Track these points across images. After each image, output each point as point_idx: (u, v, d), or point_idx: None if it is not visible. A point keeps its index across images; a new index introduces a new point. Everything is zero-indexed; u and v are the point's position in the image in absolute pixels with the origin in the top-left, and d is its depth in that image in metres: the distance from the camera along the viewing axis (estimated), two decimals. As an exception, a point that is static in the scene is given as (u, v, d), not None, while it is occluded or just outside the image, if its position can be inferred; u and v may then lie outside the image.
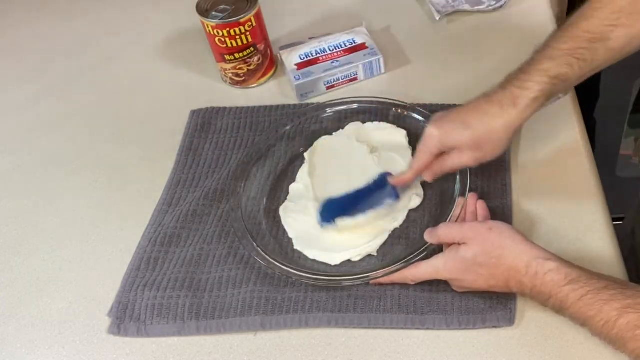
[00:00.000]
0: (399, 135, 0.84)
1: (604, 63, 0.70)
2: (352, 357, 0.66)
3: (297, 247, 0.75)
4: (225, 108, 0.93)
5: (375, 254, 0.74)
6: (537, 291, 0.62)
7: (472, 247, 0.65)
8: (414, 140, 0.84)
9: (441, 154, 0.73)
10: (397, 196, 0.76)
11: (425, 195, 0.79)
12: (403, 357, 0.66)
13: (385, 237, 0.75)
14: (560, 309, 0.61)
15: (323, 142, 0.85)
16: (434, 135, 0.72)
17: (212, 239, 0.77)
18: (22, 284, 0.77)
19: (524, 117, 0.70)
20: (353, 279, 0.69)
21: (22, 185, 0.89)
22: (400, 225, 0.76)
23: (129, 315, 0.70)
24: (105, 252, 0.79)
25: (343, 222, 0.75)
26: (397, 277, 0.69)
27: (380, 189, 0.77)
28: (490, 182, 0.78)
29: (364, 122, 0.87)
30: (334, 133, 0.86)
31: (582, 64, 0.69)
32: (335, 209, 0.75)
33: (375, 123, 0.86)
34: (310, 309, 0.69)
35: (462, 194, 0.73)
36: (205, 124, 0.91)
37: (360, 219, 0.75)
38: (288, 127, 0.86)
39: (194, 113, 0.93)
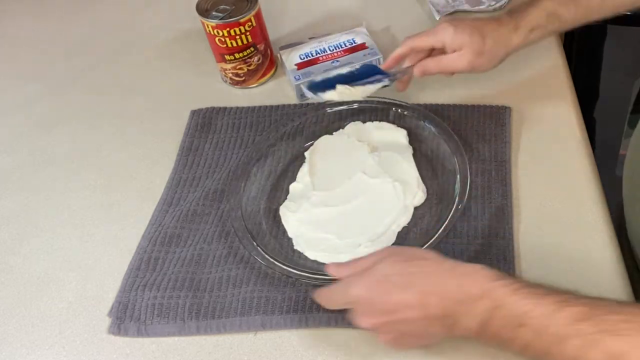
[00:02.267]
0: (400, 135, 0.84)
1: (599, 11, 0.77)
2: (352, 357, 0.66)
3: (297, 247, 0.75)
4: (225, 108, 0.93)
5: None
6: (464, 295, 0.54)
7: (388, 260, 0.59)
8: (414, 140, 0.84)
9: (437, 54, 0.78)
10: (390, 78, 0.78)
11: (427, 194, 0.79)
12: (402, 357, 0.66)
13: (392, 238, 0.75)
14: (489, 315, 0.53)
15: (323, 141, 0.85)
16: (447, 28, 0.76)
17: (212, 238, 0.77)
18: (22, 284, 0.77)
19: (521, 44, 0.77)
20: None
21: (22, 185, 0.89)
22: (408, 224, 0.76)
23: (129, 315, 0.71)
24: (105, 252, 0.79)
25: (343, 87, 0.75)
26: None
27: (369, 75, 0.78)
28: (491, 182, 0.78)
29: (364, 121, 0.87)
30: (334, 133, 0.86)
31: (577, 9, 0.76)
32: (325, 84, 0.77)
33: (376, 122, 0.86)
34: (310, 308, 0.69)
35: (462, 193, 0.73)
36: (205, 124, 0.91)
37: (358, 88, 0.76)
38: (288, 127, 0.86)
39: (194, 113, 0.93)
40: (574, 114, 0.87)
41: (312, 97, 0.80)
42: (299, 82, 0.91)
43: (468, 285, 0.54)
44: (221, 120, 0.91)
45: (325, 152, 0.84)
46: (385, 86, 0.79)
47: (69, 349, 0.70)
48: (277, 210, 0.79)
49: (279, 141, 0.85)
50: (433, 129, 0.82)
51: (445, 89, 0.91)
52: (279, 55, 0.98)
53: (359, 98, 0.81)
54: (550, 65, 0.93)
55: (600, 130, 1.35)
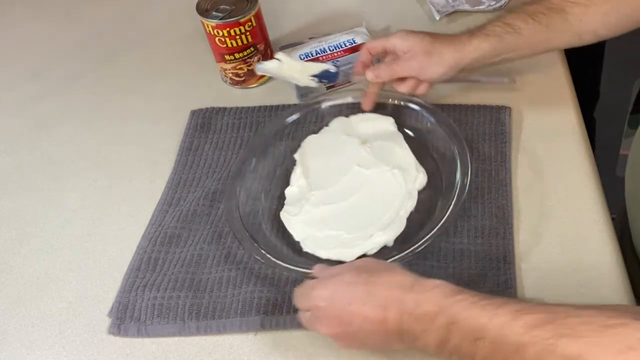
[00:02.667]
0: (387, 123, 0.84)
1: (558, 36, 0.78)
2: (352, 356, 0.66)
3: (306, 249, 0.74)
4: (225, 108, 0.93)
5: (392, 244, 0.73)
6: (421, 312, 0.54)
7: (354, 265, 0.60)
8: (414, 133, 0.84)
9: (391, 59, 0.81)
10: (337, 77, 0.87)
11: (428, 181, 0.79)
12: (403, 356, 0.66)
13: (402, 224, 0.74)
14: (446, 332, 0.52)
15: (310, 141, 0.85)
16: (400, 33, 0.80)
17: (212, 239, 0.77)
18: (22, 284, 0.77)
19: (477, 49, 0.77)
20: None
21: (22, 185, 0.89)
22: (414, 209, 0.75)
23: (129, 316, 0.70)
24: (105, 252, 0.79)
25: (282, 55, 0.83)
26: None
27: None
28: (491, 182, 0.78)
29: (347, 115, 0.86)
30: (319, 131, 0.86)
31: (536, 25, 0.76)
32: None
33: (360, 115, 0.86)
34: None
35: (463, 179, 0.73)
36: (205, 124, 0.91)
37: (303, 63, 0.85)
38: (285, 125, 0.86)
39: (193, 113, 0.93)
40: (574, 114, 0.87)
41: (261, 70, 0.86)
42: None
43: (425, 302, 0.54)
44: (221, 120, 0.91)
45: (315, 151, 0.83)
46: (331, 73, 0.85)
47: (69, 349, 0.70)
48: (277, 209, 0.79)
49: (277, 140, 0.85)
50: (432, 118, 0.82)
51: (445, 89, 0.91)
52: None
53: (298, 77, 0.84)
54: (550, 65, 0.93)
55: (600, 130, 1.35)
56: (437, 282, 0.55)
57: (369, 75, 0.81)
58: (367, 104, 0.84)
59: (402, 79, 0.81)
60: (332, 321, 0.58)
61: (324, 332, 0.59)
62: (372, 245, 0.72)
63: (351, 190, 0.78)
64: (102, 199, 0.85)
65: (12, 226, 0.84)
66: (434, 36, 0.79)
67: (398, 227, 0.74)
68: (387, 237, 0.73)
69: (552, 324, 0.48)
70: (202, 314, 0.70)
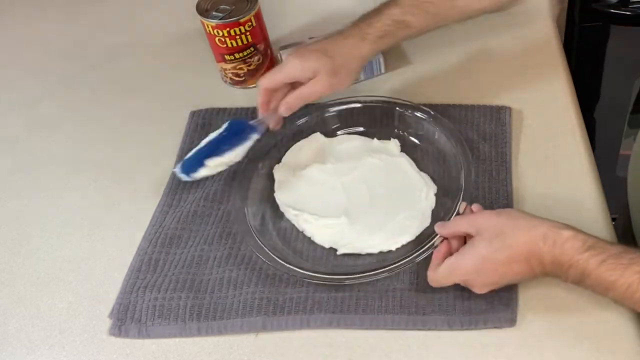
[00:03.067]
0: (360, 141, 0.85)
1: (447, 19, 0.81)
2: (352, 357, 0.66)
3: (341, 252, 0.74)
4: (225, 109, 0.93)
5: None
6: (557, 262, 0.61)
7: (484, 236, 0.64)
8: (418, 140, 0.84)
9: (294, 86, 0.79)
10: (259, 130, 0.80)
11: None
12: (403, 357, 0.66)
13: (413, 236, 0.74)
14: (581, 278, 0.60)
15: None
16: (294, 62, 0.78)
17: (212, 239, 0.77)
18: (22, 284, 0.77)
19: (371, 52, 0.80)
20: (355, 278, 0.69)
21: (22, 185, 0.89)
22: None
23: (130, 317, 0.70)
24: (105, 252, 0.79)
25: (212, 161, 0.77)
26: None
27: (239, 133, 0.80)
28: (492, 182, 0.78)
29: (366, 127, 0.87)
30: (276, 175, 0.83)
31: (426, 15, 0.79)
32: (196, 161, 0.78)
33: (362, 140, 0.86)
34: (311, 309, 0.69)
35: (467, 191, 0.74)
36: (205, 124, 0.91)
37: (229, 155, 0.78)
38: (291, 127, 0.86)
39: (193, 114, 0.93)
40: (574, 114, 0.87)
41: (186, 179, 0.80)
42: (174, 170, 0.83)
43: (559, 255, 0.60)
44: (221, 120, 0.91)
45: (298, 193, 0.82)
46: (257, 139, 0.80)
47: (69, 349, 0.70)
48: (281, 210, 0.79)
49: (282, 141, 0.85)
50: (435, 126, 0.83)
51: (445, 89, 0.91)
52: (279, 55, 0.98)
53: (233, 163, 0.80)
54: (550, 65, 0.93)
55: (600, 130, 1.35)
56: (569, 233, 0.61)
57: (282, 110, 0.79)
58: (274, 126, 0.82)
59: None
60: (486, 285, 0.65)
61: (480, 291, 0.66)
62: (402, 224, 0.75)
63: (369, 185, 0.79)
64: (102, 199, 0.85)
65: (12, 226, 0.84)
66: (328, 52, 0.77)
67: (409, 238, 0.74)
68: (396, 246, 0.74)
69: None
70: (203, 314, 0.70)
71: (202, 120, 0.91)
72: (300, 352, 0.67)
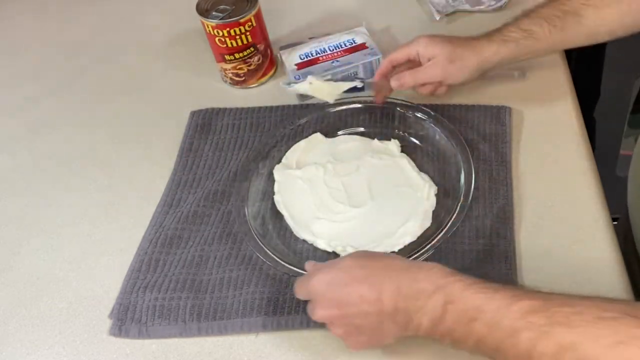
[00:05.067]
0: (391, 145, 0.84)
1: (574, 37, 0.80)
2: (352, 357, 0.66)
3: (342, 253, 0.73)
4: (225, 109, 0.93)
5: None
6: (417, 289, 0.54)
7: (348, 256, 0.61)
8: (418, 140, 0.84)
9: (413, 67, 0.82)
10: (366, 86, 0.86)
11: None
12: (403, 356, 0.66)
13: (414, 237, 0.74)
14: (442, 311, 0.53)
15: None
16: (421, 39, 0.81)
17: (212, 240, 0.77)
18: (22, 284, 0.77)
19: (496, 55, 0.80)
20: None
21: (22, 185, 0.89)
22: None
23: (130, 317, 0.70)
24: (105, 252, 0.79)
25: (313, 79, 0.82)
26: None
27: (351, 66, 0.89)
28: (492, 182, 0.78)
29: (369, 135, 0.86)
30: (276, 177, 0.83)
31: (552, 29, 0.78)
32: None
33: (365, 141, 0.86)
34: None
35: (467, 191, 0.74)
36: (205, 124, 0.91)
37: (330, 84, 0.83)
38: (292, 127, 0.86)
39: (193, 114, 0.93)
40: (574, 114, 0.87)
41: (286, 88, 0.85)
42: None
43: (422, 280, 0.55)
44: (221, 121, 0.91)
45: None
46: (358, 88, 0.85)
47: (69, 349, 0.70)
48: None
49: (283, 141, 0.85)
50: (435, 127, 0.83)
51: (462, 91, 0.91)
52: (279, 55, 0.98)
53: (327, 96, 0.84)
54: (550, 65, 0.93)
55: (600, 130, 1.35)
56: (435, 264, 0.57)
57: (394, 84, 0.82)
58: (379, 100, 0.86)
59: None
60: (330, 303, 0.59)
61: (319, 317, 0.60)
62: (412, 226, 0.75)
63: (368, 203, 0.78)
64: (102, 199, 0.85)
65: (12, 226, 0.84)
66: (454, 42, 0.81)
67: (410, 239, 0.74)
68: (398, 247, 0.74)
69: (547, 311, 0.49)
70: (203, 315, 0.70)
71: (202, 121, 0.92)
72: (299, 351, 0.67)
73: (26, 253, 0.80)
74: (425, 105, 0.85)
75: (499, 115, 0.85)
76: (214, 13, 0.90)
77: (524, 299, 0.50)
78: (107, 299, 0.73)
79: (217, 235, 0.77)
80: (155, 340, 0.69)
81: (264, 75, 0.98)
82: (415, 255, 0.70)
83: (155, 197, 0.83)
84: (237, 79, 0.97)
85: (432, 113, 0.83)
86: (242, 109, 0.93)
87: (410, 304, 0.55)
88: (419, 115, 0.84)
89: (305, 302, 0.69)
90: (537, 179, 0.79)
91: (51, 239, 0.82)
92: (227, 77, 0.97)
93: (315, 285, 0.60)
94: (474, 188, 0.76)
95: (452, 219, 0.72)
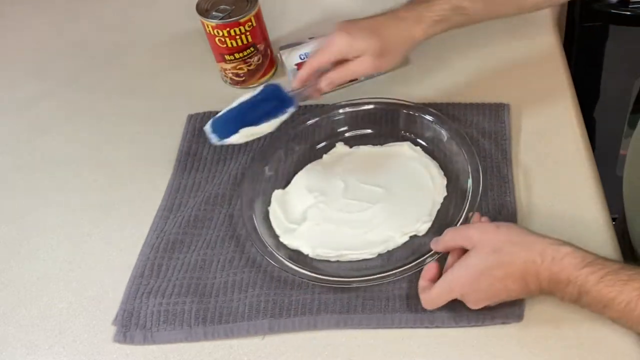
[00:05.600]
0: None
1: (502, 8, 0.79)
2: (352, 357, 0.66)
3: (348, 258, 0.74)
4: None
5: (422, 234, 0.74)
6: (554, 279, 0.59)
7: (481, 250, 0.63)
8: (430, 147, 0.83)
9: (339, 63, 0.76)
10: (295, 104, 0.75)
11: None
12: (403, 356, 0.66)
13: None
14: (578, 296, 0.59)
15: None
16: (342, 38, 0.75)
17: (215, 243, 0.77)
18: (22, 284, 0.77)
19: (425, 36, 0.77)
20: (362, 280, 0.69)
21: (22, 185, 0.89)
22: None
23: (135, 323, 0.70)
24: (105, 252, 0.79)
25: (247, 130, 0.73)
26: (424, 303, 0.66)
27: (273, 100, 0.76)
28: (493, 179, 0.78)
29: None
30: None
31: (483, 3, 0.77)
32: (228, 125, 0.74)
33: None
34: (318, 310, 0.68)
35: (475, 190, 0.74)
36: (202, 128, 0.91)
37: (263, 126, 0.73)
38: (297, 129, 0.85)
39: (191, 117, 0.92)
40: (574, 113, 0.87)
41: (216, 142, 0.74)
42: (205, 128, 0.77)
43: (557, 273, 0.59)
44: None
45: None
46: (291, 113, 0.76)
47: (69, 349, 0.70)
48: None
49: (290, 141, 0.85)
50: (441, 127, 0.82)
51: (446, 89, 0.91)
52: (279, 55, 0.98)
53: (266, 133, 0.75)
54: (550, 65, 0.93)
55: (600, 130, 1.35)
56: (567, 249, 0.60)
57: (324, 85, 0.77)
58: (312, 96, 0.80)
59: None
60: (480, 300, 0.64)
61: (474, 307, 0.65)
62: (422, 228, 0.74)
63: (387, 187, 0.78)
64: (101, 199, 0.85)
65: (12, 226, 0.84)
66: (380, 33, 0.75)
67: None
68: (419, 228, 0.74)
69: None
70: (208, 319, 0.69)
71: (199, 125, 0.90)
72: (299, 351, 0.67)
73: (26, 253, 0.80)
74: (426, 104, 0.85)
75: (498, 113, 0.86)
76: (214, 13, 0.90)
77: None
78: (107, 299, 0.74)
79: (219, 238, 0.77)
80: (155, 346, 0.69)
81: (264, 75, 0.98)
82: (425, 257, 0.69)
83: (155, 197, 0.83)
84: (237, 79, 0.97)
85: (438, 113, 0.83)
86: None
87: (552, 289, 0.61)
88: (426, 116, 0.84)
89: (311, 304, 0.69)
90: (537, 178, 0.79)
91: (51, 239, 0.81)
92: (227, 77, 0.97)
93: (460, 292, 0.64)
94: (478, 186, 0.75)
95: (461, 219, 0.72)
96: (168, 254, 0.76)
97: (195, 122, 0.92)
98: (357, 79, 0.90)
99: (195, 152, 0.88)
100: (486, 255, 0.62)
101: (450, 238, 0.67)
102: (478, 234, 0.64)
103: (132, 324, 0.70)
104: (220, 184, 0.83)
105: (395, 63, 0.79)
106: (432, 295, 0.65)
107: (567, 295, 0.60)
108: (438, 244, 0.68)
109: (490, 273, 0.62)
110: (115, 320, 0.71)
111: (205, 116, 0.92)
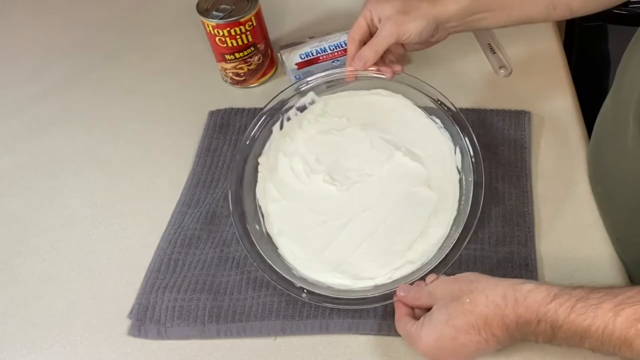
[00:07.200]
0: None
1: (533, 1, 0.77)
2: (352, 356, 0.66)
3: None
4: (243, 109, 0.92)
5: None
6: (522, 321, 0.56)
7: (442, 303, 0.61)
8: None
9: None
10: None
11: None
12: (403, 356, 0.66)
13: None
14: (552, 333, 0.56)
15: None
16: (371, 1, 0.78)
17: (231, 241, 0.76)
18: (22, 284, 0.77)
19: (451, 6, 0.76)
20: (374, 299, 0.68)
21: (22, 185, 0.89)
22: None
23: (149, 317, 0.70)
24: (106, 252, 0.79)
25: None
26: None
27: None
28: (512, 188, 0.77)
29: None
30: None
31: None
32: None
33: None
34: (330, 314, 0.68)
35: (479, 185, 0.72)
36: (223, 124, 0.90)
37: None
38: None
39: (212, 114, 0.92)
40: (574, 113, 0.87)
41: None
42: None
43: (524, 313, 0.56)
44: (239, 120, 0.91)
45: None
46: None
47: (69, 349, 0.70)
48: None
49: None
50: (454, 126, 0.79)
51: (446, 89, 0.91)
52: (279, 54, 0.98)
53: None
54: (551, 65, 0.93)
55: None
56: (530, 286, 0.57)
57: (358, 65, 0.78)
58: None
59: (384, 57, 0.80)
60: (447, 356, 0.61)
61: None
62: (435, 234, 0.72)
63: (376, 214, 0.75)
64: (101, 199, 0.85)
65: (12, 226, 0.84)
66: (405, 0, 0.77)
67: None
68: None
69: None
70: (222, 317, 0.69)
71: (220, 121, 0.90)
72: (299, 350, 0.67)
73: (26, 253, 0.80)
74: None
75: (518, 120, 0.84)
76: (214, 13, 0.90)
77: (626, 306, 0.52)
78: (107, 299, 0.74)
79: (235, 236, 0.75)
80: (155, 341, 0.69)
81: (264, 74, 0.98)
82: (439, 265, 0.68)
83: (154, 196, 0.83)
84: (237, 78, 0.97)
85: (455, 109, 0.80)
86: (244, 109, 0.93)
87: (522, 331, 0.57)
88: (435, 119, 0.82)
89: (323, 307, 0.68)
90: (555, 184, 0.78)
91: (51, 239, 0.81)
92: (227, 77, 0.97)
93: (425, 349, 0.61)
94: (494, 193, 0.75)
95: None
96: (185, 250, 0.76)
97: (217, 119, 0.91)
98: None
99: (215, 148, 0.88)
100: (446, 305, 0.60)
101: (413, 296, 0.65)
102: (439, 289, 0.63)
103: (146, 318, 0.70)
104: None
105: (422, 26, 0.76)
106: (400, 330, 0.64)
107: (541, 334, 0.56)
108: (405, 298, 0.65)
109: (453, 324, 0.59)
110: (130, 313, 0.71)
111: (226, 112, 0.92)
